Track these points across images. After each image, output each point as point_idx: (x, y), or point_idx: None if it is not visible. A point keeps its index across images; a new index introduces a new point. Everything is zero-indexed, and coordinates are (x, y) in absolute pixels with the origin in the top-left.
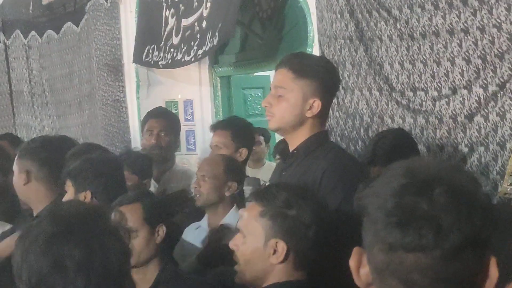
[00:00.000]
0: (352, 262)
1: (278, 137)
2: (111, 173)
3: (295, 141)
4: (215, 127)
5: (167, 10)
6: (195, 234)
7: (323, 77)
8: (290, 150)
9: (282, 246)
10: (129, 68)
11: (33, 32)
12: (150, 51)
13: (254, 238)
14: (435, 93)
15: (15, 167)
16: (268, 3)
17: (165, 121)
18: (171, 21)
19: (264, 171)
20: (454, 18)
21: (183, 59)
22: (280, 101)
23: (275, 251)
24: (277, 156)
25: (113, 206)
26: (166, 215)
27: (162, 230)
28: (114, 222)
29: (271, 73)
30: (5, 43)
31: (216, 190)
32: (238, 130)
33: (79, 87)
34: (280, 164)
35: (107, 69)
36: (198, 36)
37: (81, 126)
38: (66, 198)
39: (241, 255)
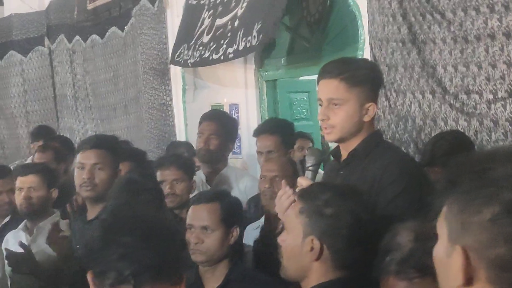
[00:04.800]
0: (458, 261)
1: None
2: None
3: (352, 145)
4: (260, 132)
5: (207, 11)
6: (254, 234)
7: (373, 81)
8: (343, 152)
9: (317, 244)
10: (176, 72)
11: (77, 37)
12: (182, 51)
13: (294, 235)
14: (491, 96)
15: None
16: (316, 7)
17: (216, 124)
18: (207, 22)
19: None
20: (511, 21)
21: (210, 57)
22: (337, 112)
23: (312, 249)
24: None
25: (192, 203)
26: (241, 217)
27: (236, 232)
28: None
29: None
30: (50, 48)
31: None
32: (286, 133)
33: (124, 90)
34: (335, 164)
35: (153, 73)
36: (229, 34)
37: (127, 129)
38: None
39: (284, 251)
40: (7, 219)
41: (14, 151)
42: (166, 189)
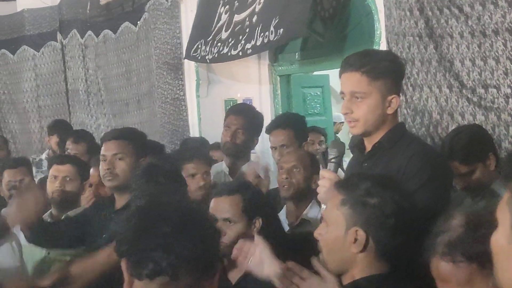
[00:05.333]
0: None
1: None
2: None
3: (376, 137)
4: (273, 127)
5: (223, 6)
6: None
7: (395, 72)
8: (367, 145)
9: (361, 235)
10: (189, 66)
11: (89, 32)
12: (199, 46)
13: (336, 227)
14: (508, 90)
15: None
16: (330, 3)
17: (243, 119)
18: (224, 17)
19: None
20: None
21: (229, 53)
22: (360, 106)
23: (355, 240)
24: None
25: (213, 195)
26: (263, 208)
27: (258, 223)
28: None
29: (330, 72)
30: (62, 43)
31: (306, 181)
32: (298, 126)
33: (137, 85)
34: (358, 156)
35: (167, 68)
36: (247, 30)
37: (140, 124)
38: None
39: (324, 244)
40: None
41: (25, 146)
42: (199, 181)
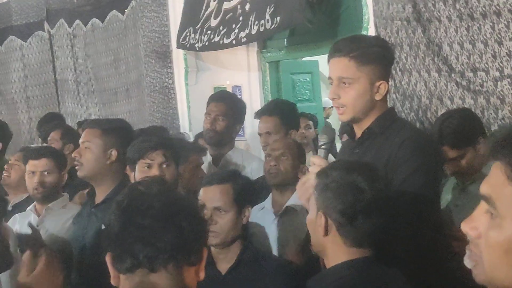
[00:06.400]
0: None
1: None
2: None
3: (366, 123)
4: (260, 114)
5: None
6: (259, 215)
7: (384, 58)
8: (357, 131)
9: (323, 219)
10: (178, 54)
11: (77, 21)
12: (188, 34)
13: (311, 211)
14: (497, 73)
15: (95, 143)
16: None
17: (224, 105)
18: (212, 5)
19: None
20: None
21: (221, 41)
22: (347, 91)
23: (321, 224)
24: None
25: (204, 184)
26: (253, 197)
27: (248, 211)
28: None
29: (320, 58)
30: (50, 32)
31: (294, 169)
32: (285, 113)
33: (126, 74)
34: (349, 143)
35: (155, 56)
36: (241, 18)
37: (129, 113)
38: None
39: (307, 227)
40: (23, 196)
41: (14, 136)
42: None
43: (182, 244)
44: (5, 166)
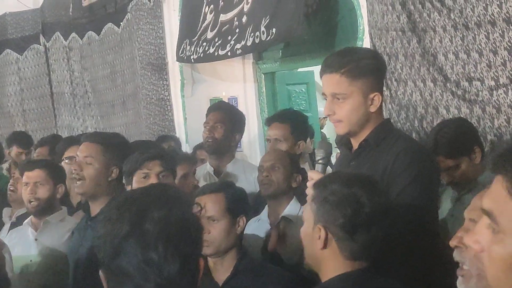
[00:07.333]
0: None
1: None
2: None
3: (362, 136)
4: (271, 120)
5: (207, 6)
6: (255, 226)
7: (376, 70)
8: (354, 143)
9: (322, 232)
10: (174, 66)
11: (73, 34)
12: (184, 47)
13: (307, 223)
14: (492, 83)
15: (98, 160)
16: None
17: (222, 113)
18: (209, 17)
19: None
20: (511, 6)
21: (216, 53)
22: (342, 107)
23: (319, 237)
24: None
25: (196, 194)
26: (247, 207)
27: (242, 221)
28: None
29: (315, 68)
30: (45, 45)
31: (286, 180)
32: (297, 123)
33: (122, 87)
34: (346, 155)
35: (151, 68)
36: (237, 31)
37: (125, 125)
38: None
39: (302, 240)
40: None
41: None
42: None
43: (178, 256)
44: (11, 181)
